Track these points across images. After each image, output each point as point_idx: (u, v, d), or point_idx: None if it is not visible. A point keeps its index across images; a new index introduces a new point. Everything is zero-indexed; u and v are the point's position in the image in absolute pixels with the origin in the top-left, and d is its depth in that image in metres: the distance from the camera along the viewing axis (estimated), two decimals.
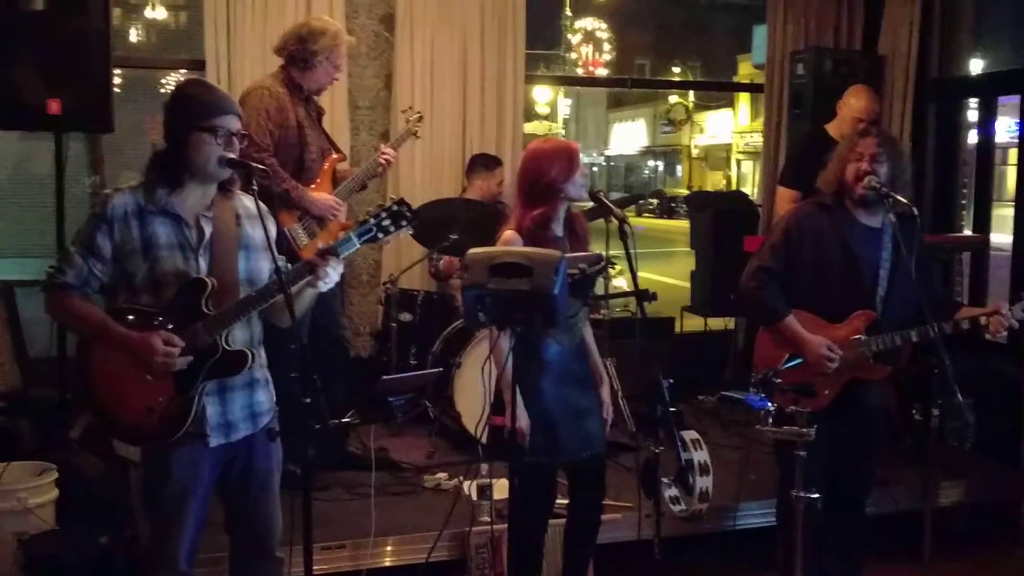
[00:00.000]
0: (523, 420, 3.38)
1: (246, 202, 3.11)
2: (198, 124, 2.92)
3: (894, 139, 3.96)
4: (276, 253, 3.03)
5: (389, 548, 4.23)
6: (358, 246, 3.08)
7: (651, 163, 48.67)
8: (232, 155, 2.97)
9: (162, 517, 3.05)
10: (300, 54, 4.62)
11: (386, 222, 3.10)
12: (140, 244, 2.93)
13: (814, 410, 3.60)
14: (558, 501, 4.00)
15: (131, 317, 2.93)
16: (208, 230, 3.00)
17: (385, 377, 5.15)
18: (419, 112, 5.23)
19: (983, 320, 3.74)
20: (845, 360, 3.75)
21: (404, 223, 3.11)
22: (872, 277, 3.79)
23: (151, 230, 2.94)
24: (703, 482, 4.43)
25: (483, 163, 6.20)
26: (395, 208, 3.11)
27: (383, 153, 4.89)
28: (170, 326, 2.90)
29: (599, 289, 5.87)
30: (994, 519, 5.30)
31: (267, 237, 3.04)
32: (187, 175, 2.97)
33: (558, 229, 3.67)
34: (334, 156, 4.84)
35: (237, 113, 3.02)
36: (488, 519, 4.19)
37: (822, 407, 3.72)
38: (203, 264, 2.98)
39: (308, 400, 2.81)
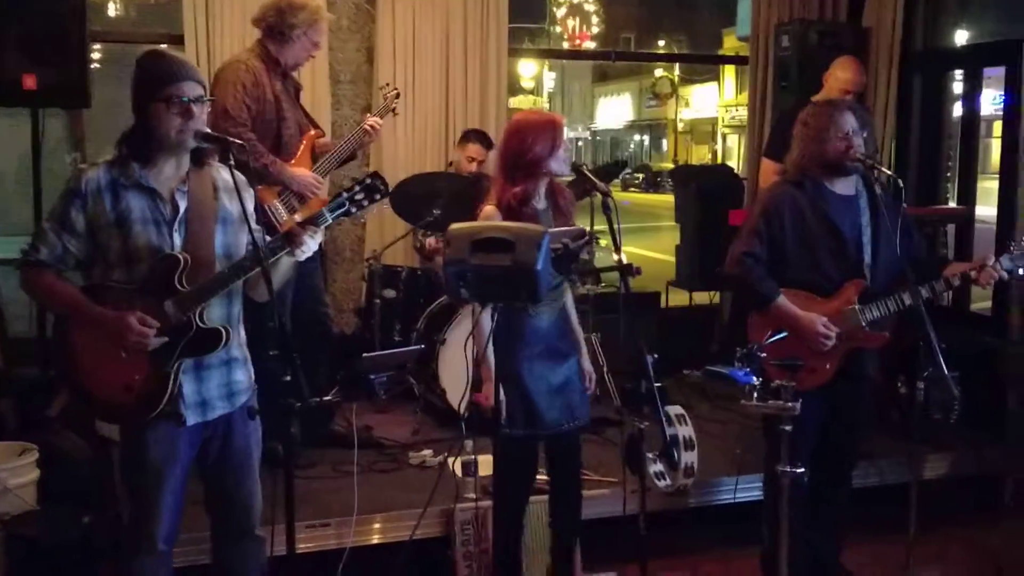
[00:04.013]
0: (494, 393, 3.36)
1: (224, 174, 3.05)
2: (154, 95, 2.87)
3: (864, 109, 3.95)
4: (253, 224, 2.99)
5: (374, 526, 4.22)
6: (330, 221, 3.05)
7: (637, 137, 48.64)
8: (206, 130, 2.92)
9: (140, 496, 3.04)
10: (278, 26, 4.57)
11: (359, 196, 3.07)
12: (113, 218, 2.89)
13: (816, 385, 3.60)
14: (543, 476, 4.01)
15: (106, 294, 2.90)
16: (183, 204, 2.96)
17: (366, 355, 5.11)
18: (396, 89, 5.19)
19: (972, 274, 3.73)
20: (842, 333, 3.73)
21: (378, 196, 3.09)
22: (856, 245, 3.77)
23: (125, 204, 2.90)
24: (688, 457, 4.43)
25: (464, 135, 6.16)
26: (368, 182, 3.09)
27: (368, 121, 4.85)
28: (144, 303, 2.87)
29: (599, 262, 5.86)
30: (979, 492, 5.33)
31: (243, 209, 2.99)
32: (155, 148, 2.93)
33: (539, 203, 3.64)
34: (312, 132, 4.79)
35: (195, 79, 2.92)
36: (473, 495, 4.19)
37: (825, 381, 3.72)
38: (178, 239, 2.94)
39: (288, 378, 2.78)
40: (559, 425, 3.66)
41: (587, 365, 3.86)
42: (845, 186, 3.80)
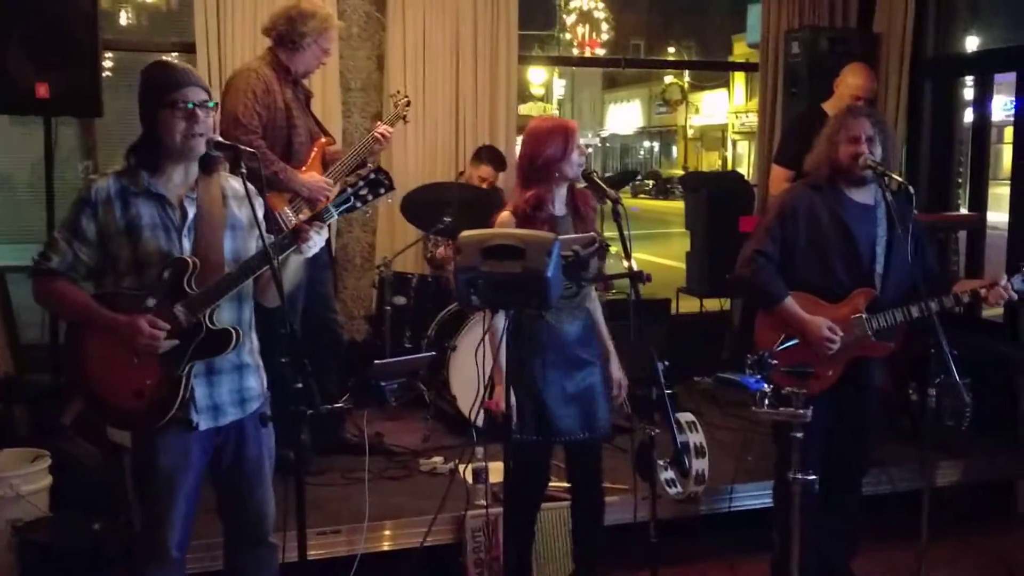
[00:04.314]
0: (504, 400, 3.36)
1: (233, 182, 3.09)
2: (159, 102, 2.90)
3: (883, 118, 3.94)
4: (264, 231, 3.00)
5: (385, 532, 4.22)
6: (335, 216, 3.06)
7: (647, 144, 48.62)
8: (218, 137, 2.96)
9: (152, 502, 3.04)
10: (288, 35, 4.58)
11: (363, 191, 3.07)
12: (123, 225, 2.91)
13: (819, 391, 3.59)
14: (557, 484, 4.00)
15: (117, 301, 2.91)
16: (192, 211, 2.98)
17: (377, 362, 5.12)
18: (407, 96, 5.20)
19: (983, 292, 3.72)
20: (847, 340, 3.73)
21: (382, 191, 3.09)
22: (870, 254, 3.77)
23: (134, 211, 2.92)
24: (699, 464, 4.42)
25: (478, 152, 6.18)
26: (372, 176, 3.08)
27: (379, 129, 4.86)
28: (153, 304, 2.88)
29: (610, 269, 5.87)
30: (991, 498, 5.31)
31: (254, 215, 3.00)
32: (163, 156, 2.96)
33: (558, 208, 3.65)
34: (323, 139, 4.80)
35: (198, 84, 2.95)
36: (484, 502, 4.19)
37: (826, 387, 3.71)
38: (187, 244, 2.96)
39: (299, 385, 2.78)
40: (572, 433, 3.65)
41: (617, 373, 3.84)
42: (864, 195, 3.80)
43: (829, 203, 3.77)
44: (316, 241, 3.02)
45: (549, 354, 3.62)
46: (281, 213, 4.50)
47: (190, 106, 2.89)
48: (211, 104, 2.97)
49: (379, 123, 5.03)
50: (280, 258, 2.96)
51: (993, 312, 6.22)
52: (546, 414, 3.59)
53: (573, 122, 3.70)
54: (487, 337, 3.51)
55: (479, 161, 6.11)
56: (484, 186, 6.03)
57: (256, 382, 3.15)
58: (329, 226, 3.11)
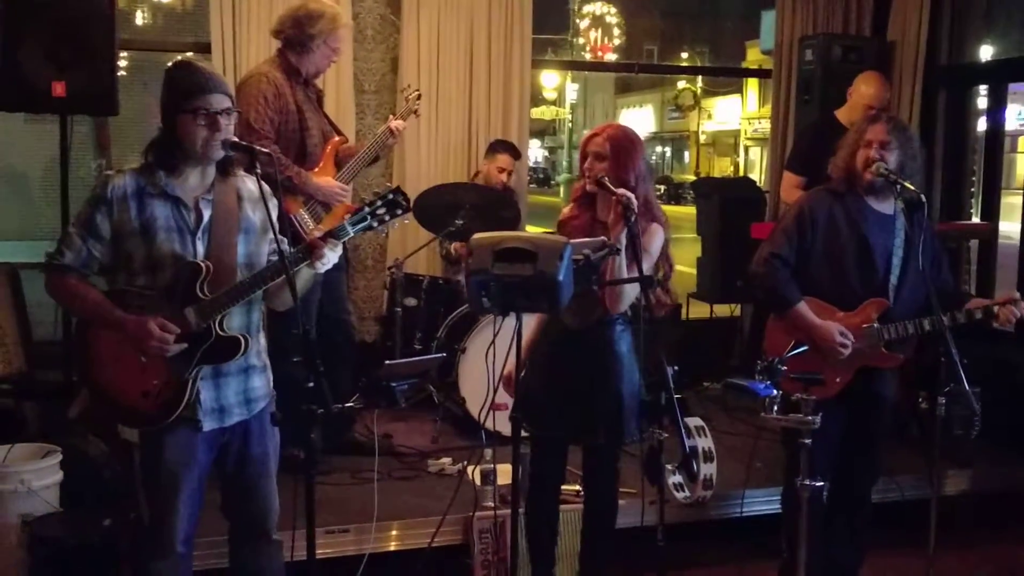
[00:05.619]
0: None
1: (249, 184, 3.09)
2: (182, 107, 2.90)
3: (905, 126, 3.90)
4: (278, 234, 3.01)
5: (393, 532, 4.23)
6: (352, 235, 3.05)
7: (659, 149, 48.53)
8: (233, 138, 2.96)
9: (158, 500, 3.07)
10: (297, 37, 4.58)
11: (381, 211, 3.04)
12: (138, 225, 2.92)
13: (824, 398, 3.58)
14: (568, 487, 4.00)
15: (129, 300, 2.93)
16: (207, 213, 2.99)
17: (388, 362, 5.13)
18: (418, 90, 5.19)
19: (995, 309, 3.71)
20: (857, 348, 3.72)
21: (399, 212, 3.06)
22: (885, 264, 3.76)
23: (150, 212, 2.93)
24: (707, 469, 4.43)
25: (492, 146, 6.19)
26: (390, 197, 3.05)
27: (391, 123, 4.85)
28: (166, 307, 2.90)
29: None
30: (1000, 508, 5.29)
31: (269, 217, 3.01)
32: (181, 158, 2.96)
33: (603, 214, 3.63)
34: (336, 139, 4.80)
35: (223, 92, 2.95)
36: (492, 504, 4.20)
37: (832, 395, 3.70)
38: (201, 247, 2.97)
39: (311, 385, 2.79)
40: (552, 429, 3.63)
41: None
42: (884, 204, 3.79)
43: (848, 210, 3.76)
44: (330, 258, 3.02)
45: (552, 349, 3.64)
46: (297, 215, 4.50)
47: (212, 112, 2.90)
48: (233, 111, 2.98)
49: (391, 117, 5.03)
50: (293, 271, 2.97)
51: None
52: (530, 404, 3.57)
53: (591, 131, 3.69)
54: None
55: (496, 152, 6.11)
56: (503, 177, 6.03)
57: (262, 382, 3.17)
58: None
